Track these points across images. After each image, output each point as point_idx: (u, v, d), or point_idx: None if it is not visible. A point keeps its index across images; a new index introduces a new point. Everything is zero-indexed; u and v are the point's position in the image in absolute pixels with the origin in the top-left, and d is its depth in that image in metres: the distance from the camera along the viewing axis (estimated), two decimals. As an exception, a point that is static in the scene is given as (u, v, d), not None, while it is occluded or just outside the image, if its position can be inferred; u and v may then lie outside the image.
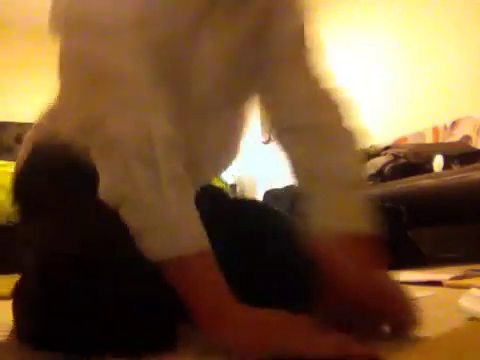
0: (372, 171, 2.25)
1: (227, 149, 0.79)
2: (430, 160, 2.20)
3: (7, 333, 0.71)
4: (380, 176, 2.25)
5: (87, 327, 0.54)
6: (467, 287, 0.90)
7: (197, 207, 0.58)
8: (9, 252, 2.26)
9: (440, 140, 2.69)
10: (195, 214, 0.57)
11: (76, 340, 0.54)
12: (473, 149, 2.34)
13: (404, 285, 0.65)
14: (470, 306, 0.74)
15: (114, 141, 0.55)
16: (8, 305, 0.65)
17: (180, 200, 0.55)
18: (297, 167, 0.73)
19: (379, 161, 2.31)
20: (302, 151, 0.72)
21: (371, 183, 2.20)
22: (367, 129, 0.75)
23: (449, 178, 1.96)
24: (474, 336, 0.54)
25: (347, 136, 0.72)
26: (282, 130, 0.76)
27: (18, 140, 3.02)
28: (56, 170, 0.67)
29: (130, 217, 0.55)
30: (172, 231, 0.54)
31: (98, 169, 0.56)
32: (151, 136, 0.55)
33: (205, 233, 0.56)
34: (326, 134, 0.72)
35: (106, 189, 0.55)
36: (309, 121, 0.72)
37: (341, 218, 0.66)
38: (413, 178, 2.11)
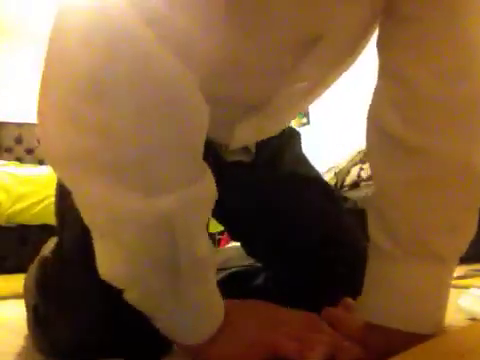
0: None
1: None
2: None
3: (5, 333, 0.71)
4: (380, 176, 2.24)
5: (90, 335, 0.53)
6: (467, 287, 0.90)
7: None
8: (9, 252, 2.26)
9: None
10: (212, 298, 0.50)
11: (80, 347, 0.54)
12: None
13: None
14: (470, 306, 0.74)
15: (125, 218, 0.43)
16: (8, 305, 0.64)
17: (198, 286, 0.47)
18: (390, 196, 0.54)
19: (379, 161, 2.31)
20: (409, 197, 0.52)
21: (371, 183, 2.19)
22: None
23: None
24: (474, 336, 0.53)
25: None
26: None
27: (18, 140, 3.01)
28: None
29: (140, 302, 0.47)
30: (186, 323, 0.48)
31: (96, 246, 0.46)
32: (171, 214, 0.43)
33: (222, 310, 0.50)
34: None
35: (112, 270, 0.46)
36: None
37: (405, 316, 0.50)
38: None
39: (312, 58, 0.58)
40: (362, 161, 2.33)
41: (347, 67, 0.69)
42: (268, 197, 0.78)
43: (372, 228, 0.55)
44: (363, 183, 2.23)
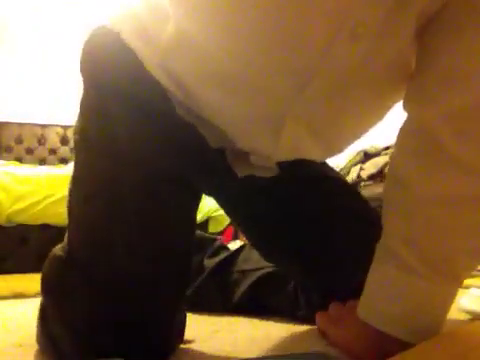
0: (372, 171, 2.25)
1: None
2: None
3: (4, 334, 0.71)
4: (380, 176, 2.24)
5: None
6: (467, 287, 0.90)
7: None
8: (9, 252, 2.25)
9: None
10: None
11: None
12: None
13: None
14: (470, 306, 0.74)
15: None
16: (8, 305, 0.64)
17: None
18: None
19: (379, 161, 2.30)
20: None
21: (371, 183, 2.19)
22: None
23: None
24: (474, 336, 0.53)
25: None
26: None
27: (18, 140, 3.01)
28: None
29: None
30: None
31: None
32: None
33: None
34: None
35: None
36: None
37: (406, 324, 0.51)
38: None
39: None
40: (362, 161, 2.33)
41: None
42: (293, 201, 0.75)
43: (392, 238, 0.54)
44: (363, 183, 2.23)
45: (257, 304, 0.85)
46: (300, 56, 0.52)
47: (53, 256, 0.60)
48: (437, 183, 0.51)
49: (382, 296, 0.53)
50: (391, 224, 0.55)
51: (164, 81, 0.60)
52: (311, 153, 0.69)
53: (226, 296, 0.88)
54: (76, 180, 0.63)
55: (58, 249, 0.60)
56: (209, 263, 0.92)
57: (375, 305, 0.54)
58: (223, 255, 0.93)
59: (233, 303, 0.86)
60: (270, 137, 0.61)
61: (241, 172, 0.69)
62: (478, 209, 0.50)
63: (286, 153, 0.66)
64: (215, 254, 0.95)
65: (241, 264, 0.90)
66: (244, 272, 0.88)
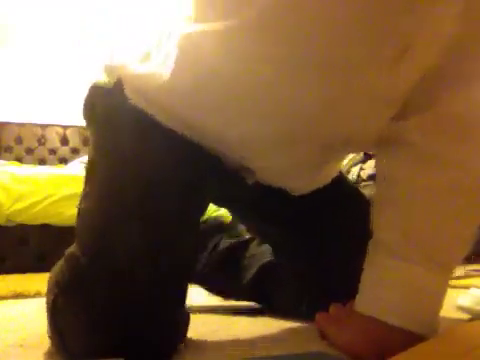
0: (372, 171, 2.25)
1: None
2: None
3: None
4: (380, 176, 2.25)
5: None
6: (467, 287, 0.90)
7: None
8: (9, 252, 2.25)
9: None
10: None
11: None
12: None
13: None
14: (470, 306, 0.74)
15: None
16: (8, 305, 0.64)
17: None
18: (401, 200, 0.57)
19: (379, 161, 2.31)
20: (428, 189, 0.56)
21: (371, 183, 2.19)
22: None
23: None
24: (474, 336, 0.53)
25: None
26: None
27: (18, 140, 3.01)
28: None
29: None
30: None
31: None
32: None
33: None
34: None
35: None
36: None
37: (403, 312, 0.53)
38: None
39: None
40: (362, 161, 2.33)
41: None
42: (306, 207, 0.77)
43: (384, 229, 0.57)
44: (363, 183, 2.23)
45: (262, 292, 0.86)
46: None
47: (68, 254, 0.60)
48: (421, 177, 0.56)
49: (380, 285, 0.54)
50: (382, 218, 0.58)
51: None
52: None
53: (235, 279, 0.89)
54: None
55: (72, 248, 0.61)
56: (225, 244, 0.95)
57: (374, 295, 0.55)
58: (238, 239, 0.96)
59: (241, 286, 0.87)
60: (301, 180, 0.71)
61: (251, 179, 0.71)
62: (458, 198, 0.55)
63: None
64: (232, 237, 0.98)
65: (254, 248, 0.91)
66: (255, 256, 0.89)
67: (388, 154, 0.60)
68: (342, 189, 0.82)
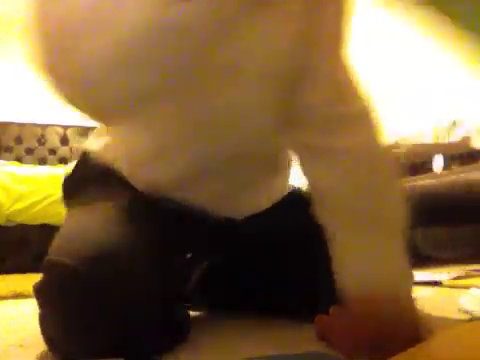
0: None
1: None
2: (430, 160, 2.20)
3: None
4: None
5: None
6: (467, 287, 0.90)
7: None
8: (9, 252, 2.25)
9: (440, 140, 2.69)
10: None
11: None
12: (473, 149, 2.33)
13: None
14: (470, 306, 0.74)
15: None
16: (8, 305, 0.64)
17: None
18: (325, 198, 0.64)
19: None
20: (332, 181, 0.64)
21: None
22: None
23: (449, 178, 1.96)
24: (474, 336, 0.53)
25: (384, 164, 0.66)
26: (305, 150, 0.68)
27: (18, 140, 3.01)
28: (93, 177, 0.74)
29: None
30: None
31: None
32: None
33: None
34: (360, 160, 0.63)
35: None
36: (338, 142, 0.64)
37: (382, 281, 0.58)
38: (413, 178, 2.11)
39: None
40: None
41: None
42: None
43: (330, 221, 0.62)
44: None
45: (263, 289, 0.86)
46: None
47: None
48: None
49: (354, 261, 0.59)
50: (325, 213, 0.63)
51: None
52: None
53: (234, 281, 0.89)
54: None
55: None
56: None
57: (351, 272, 0.59)
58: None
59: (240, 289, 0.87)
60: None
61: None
62: (371, 174, 0.62)
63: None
64: None
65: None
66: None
67: (301, 162, 0.68)
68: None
